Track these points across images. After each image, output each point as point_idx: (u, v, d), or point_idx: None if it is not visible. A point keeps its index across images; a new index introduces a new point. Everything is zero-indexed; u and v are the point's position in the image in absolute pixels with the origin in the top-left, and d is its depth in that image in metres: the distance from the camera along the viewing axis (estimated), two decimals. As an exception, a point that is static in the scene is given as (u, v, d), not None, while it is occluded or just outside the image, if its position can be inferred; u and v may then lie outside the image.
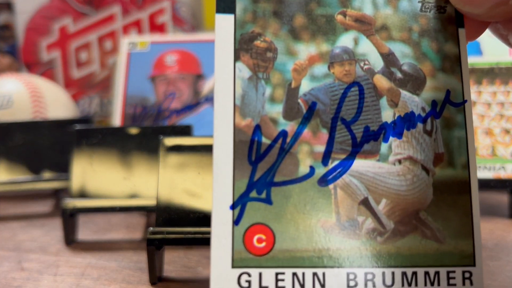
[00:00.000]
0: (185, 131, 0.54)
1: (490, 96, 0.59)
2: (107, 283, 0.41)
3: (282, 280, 0.32)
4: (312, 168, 0.33)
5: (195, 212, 0.41)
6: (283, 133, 0.33)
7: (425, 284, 0.32)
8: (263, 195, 0.32)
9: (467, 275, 0.33)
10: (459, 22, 0.35)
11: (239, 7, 0.34)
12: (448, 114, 0.34)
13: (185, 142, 0.43)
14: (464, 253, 0.33)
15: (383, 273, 0.32)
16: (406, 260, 0.33)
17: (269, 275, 0.32)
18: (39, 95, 0.73)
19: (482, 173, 0.57)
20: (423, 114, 0.34)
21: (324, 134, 0.33)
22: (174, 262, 0.45)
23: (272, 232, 0.32)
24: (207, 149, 0.43)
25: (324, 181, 0.33)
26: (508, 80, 0.59)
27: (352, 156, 0.33)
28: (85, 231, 0.55)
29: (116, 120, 0.71)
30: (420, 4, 0.35)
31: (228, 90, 0.33)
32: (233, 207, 0.32)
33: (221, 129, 0.32)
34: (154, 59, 0.74)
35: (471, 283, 0.33)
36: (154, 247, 0.40)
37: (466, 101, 0.34)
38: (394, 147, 0.34)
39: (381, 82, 0.34)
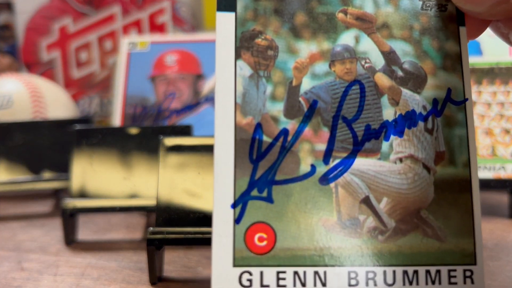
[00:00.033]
0: (185, 131, 0.54)
1: (490, 96, 0.59)
2: (107, 283, 0.41)
3: (283, 279, 0.32)
4: (313, 167, 0.33)
5: (195, 212, 0.41)
6: (284, 132, 0.33)
7: (426, 283, 0.32)
8: (264, 194, 0.32)
9: (468, 273, 0.33)
10: (460, 20, 0.35)
11: (240, 5, 0.34)
12: (449, 113, 0.34)
13: (185, 142, 0.43)
14: (465, 251, 0.33)
15: (384, 272, 0.32)
16: (407, 258, 0.33)
17: (270, 274, 0.32)
18: (39, 95, 0.73)
19: (482, 173, 0.57)
20: (424, 113, 0.34)
21: (325, 132, 0.33)
22: (174, 262, 0.45)
23: (273, 230, 0.32)
24: (207, 149, 0.43)
25: (325, 179, 0.33)
26: (508, 80, 0.59)
27: (353, 155, 0.33)
28: (85, 231, 0.55)
29: (116, 120, 0.71)
30: (421, 2, 0.35)
31: (229, 88, 0.33)
32: (234, 205, 0.32)
33: (222, 127, 0.32)
34: (154, 59, 0.74)
35: (472, 282, 0.33)
36: (154, 247, 0.40)
37: (467, 99, 0.34)
38: (395, 145, 0.33)
39: (382, 80, 0.34)
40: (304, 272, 0.32)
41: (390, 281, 0.32)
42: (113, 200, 0.51)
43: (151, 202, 0.49)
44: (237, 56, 0.33)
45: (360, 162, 0.33)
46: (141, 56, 0.74)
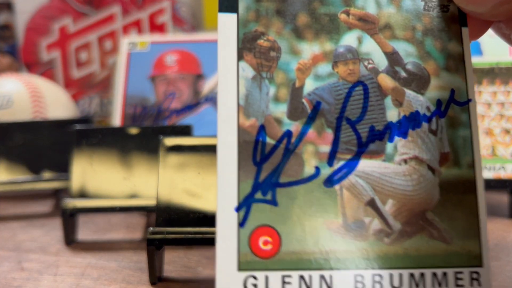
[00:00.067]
0: (185, 131, 0.54)
1: (490, 96, 0.59)
2: (107, 283, 0.41)
3: (289, 283, 0.31)
4: (317, 169, 0.33)
5: (195, 212, 0.41)
6: (288, 133, 0.33)
7: (433, 285, 0.32)
8: (269, 196, 0.32)
9: (475, 275, 0.33)
10: (462, 21, 0.35)
11: (242, 6, 0.34)
12: (453, 114, 0.34)
13: (185, 142, 0.43)
14: (472, 253, 0.33)
15: (391, 275, 0.32)
16: (413, 261, 0.32)
17: (275, 278, 0.31)
18: (39, 95, 0.73)
19: (482, 173, 0.57)
20: (428, 114, 0.34)
21: (329, 134, 0.33)
22: (174, 262, 0.45)
23: (278, 234, 0.32)
24: (207, 149, 0.42)
25: (329, 181, 0.33)
26: (508, 80, 0.59)
27: (357, 156, 0.33)
28: (85, 231, 0.55)
29: (116, 120, 0.71)
30: (423, 3, 0.35)
31: (231, 90, 0.33)
32: (238, 209, 0.32)
33: (225, 129, 0.32)
34: (154, 59, 0.74)
35: (479, 284, 0.32)
36: (154, 247, 0.40)
37: (470, 100, 0.34)
38: (400, 147, 0.33)
39: (386, 81, 0.34)
40: (310, 276, 0.32)
41: (396, 284, 0.32)
42: (113, 200, 0.51)
43: (151, 202, 0.49)
44: (239, 57, 0.33)
45: (365, 164, 0.33)
46: (141, 56, 0.74)
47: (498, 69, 0.59)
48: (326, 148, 0.33)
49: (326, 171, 0.33)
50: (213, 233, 0.39)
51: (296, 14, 0.35)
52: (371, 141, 0.33)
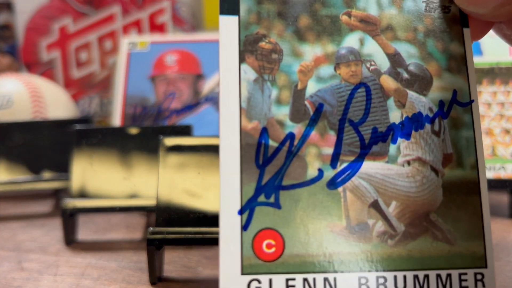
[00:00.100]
0: (185, 131, 0.54)
1: (490, 96, 0.59)
2: (107, 283, 0.41)
3: (293, 286, 0.31)
4: (320, 171, 0.33)
5: (195, 212, 0.41)
6: (291, 136, 0.33)
7: (437, 287, 0.32)
8: (272, 199, 0.32)
9: (479, 277, 0.33)
10: (463, 22, 0.35)
11: (243, 8, 0.34)
12: (455, 114, 0.34)
13: (185, 142, 0.43)
14: (476, 254, 0.33)
15: (395, 277, 0.32)
16: (417, 263, 0.32)
17: (279, 281, 0.31)
18: (39, 95, 0.73)
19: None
20: (430, 115, 0.34)
21: (332, 136, 0.33)
22: (174, 262, 0.45)
23: (281, 237, 0.32)
24: (207, 149, 0.43)
25: (333, 184, 0.32)
26: (508, 80, 0.59)
27: (360, 158, 0.33)
28: (85, 231, 0.55)
29: (116, 120, 0.71)
30: (424, 4, 0.35)
31: (233, 93, 0.33)
32: (241, 212, 0.32)
33: (228, 132, 0.32)
34: (154, 59, 0.74)
35: (483, 285, 0.32)
36: (154, 247, 0.40)
37: (473, 101, 0.34)
38: (403, 148, 0.33)
39: (388, 82, 0.34)
40: (314, 279, 0.32)
41: (400, 286, 0.32)
42: (113, 200, 0.51)
43: (151, 202, 0.49)
44: (241, 60, 0.33)
45: (368, 166, 0.33)
46: (141, 56, 0.74)
47: (498, 69, 0.59)
48: (329, 150, 0.33)
49: (329, 173, 0.33)
50: (213, 233, 0.39)
51: (297, 16, 0.34)
52: (374, 142, 0.33)
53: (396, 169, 0.33)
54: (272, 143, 0.32)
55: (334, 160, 0.33)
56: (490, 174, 0.57)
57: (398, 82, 0.34)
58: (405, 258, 0.32)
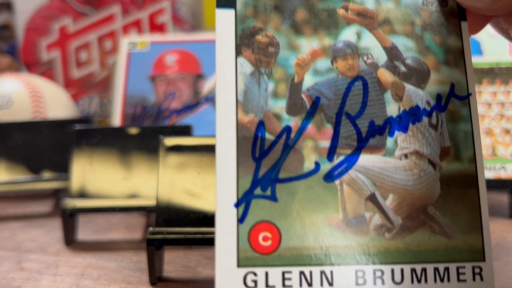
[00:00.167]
0: (185, 131, 0.54)
1: (490, 96, 0.59)
2: (107, 283, 0.41)
3: (289, 279, 0.31)
4: (317, 164, 0.32)
5: (195, 212, 0.41)
6: (287, 129, 0.33)
7: (435, 281, 0.32)
8: (268, 192, 0.32)
9: (477, 270, 0.32)
10: (461, 15, 0.35)
11: (239, 1, 0.34)
12: (453, 108, 0.34)
13: (185, 142, 0.43)
14: (474, 248, 0.33)
15: (392, 270, 0.32)
16: (415, 256, 0.32)
17: (275, 274, 0.31)
18: (39, 95, 0.73)
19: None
20: (428, 108, 0.34)
21: (329, 129, 0.33)
22: (174, 262, 0.45)
23: (278, 230, 0.32)
24: (207, 149, 0.42)
25: (330, 177, 0.32)
26: (508, 80, 0.58)
27: (357, 151, 0.33)
28: (85, 231, 0.55)
29: (116, 120, 0.71)
30: None
31: (230, 86, 0.33)
32: (237, 205, 0.32)
33: (224, 125, 0.32)
34: (154, 59, 0.74)
35: (482, 279, 0.32)
36: (154, 247, 0.40)
37: (470, 94, 0.34)
38: (400, 141, 0.33)
39: (385, 76, 0.34)
40: (310, 272, 0.31)
41: (398, 279, 0.32)
42: (113, 200, 0.51)
43: (151, 202, 0.49)
44: (238, 53, 0.33)
45: (365, 159, 0.33)
46: (141, 56, 0.74)
47: (498, 69, 0.59)
48: (325, 143, 0.33)
49: (326, 167, 0.32)
50: (213, 233, 0.39)
51: (294, 9, 0.34)
52: (371, 136, 0.33)
53: (393, 162, 0.33)
54: (269, 136, 0.32)
55: (331, 153, 0.33)
56: (490, 174, 0.57)
57: (395, 76, 0.34)
58: (403, 251, 0.32)
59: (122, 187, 0.52)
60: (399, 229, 0.32)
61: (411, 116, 0.33)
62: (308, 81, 0.33)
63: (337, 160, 0.33)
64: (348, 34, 0.34)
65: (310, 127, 0.33)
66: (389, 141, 0.33)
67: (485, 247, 0.33)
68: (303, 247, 0.32)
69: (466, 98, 0.34)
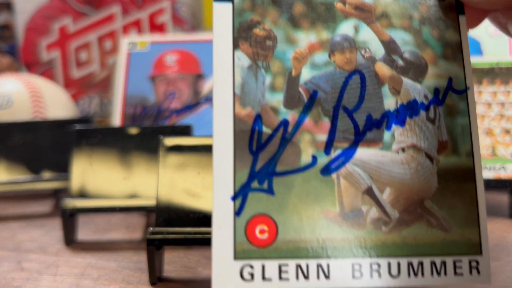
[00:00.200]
0: (185, 131, 0.54)
1: (490, 96, 0.59)
2: (107, 283, 0.41)
3: (286, 272, 0.31)
4: (314, 158, 0.32)
5: (195, 212, 0.41)
6: (284, 122, 0.33)
7: (432, 274, 0.32)
8: (265, 186, 0.32)
9: (474, 264, 0.32)
10: (459, 9, 0.35)
11: None
12: (451, 102, 0.34)
13: (185, 142, 0.43)
14: (471, 241, 0.33)
15: (389, 263, 0.32)
16: (412, 249, 0.32)
17: (272, 267, 0.31)
18: (39, 95, 0.73)
19: (483, 173, 0.57)
20: (425, 102, 0.34)
21: (326, 122, 0.33)
22: (174, 262, 0.45)
23: (274, 223, 0.32)
24: (207, 149, 0.42)
25: (327, 170, 0.32)
26: (508, 80, 0.58)
27: (355, 145, 0.33)
28: (85, 231, 0.55)
29: (116, 120, 0.71)
30: None
31: (227, 79, 0.33)
32: (234, 198, 0.32)
33: (221, 118, 0.32)
34: (154, 59, 0.74)
35: (478, 272, 0.32)
36: (154, 247, 0.40)
37: (468, 88, 0.34)
38: (397, 135, 0.33)
39: (383, 69, 0.34)
40: (307, 265, 0.31)
41: (394, 272, 0.32)
42: (113, 200, 0.51)
43: (151, 202, 0.49)
44: (235, 46, 0.33)
45: (362, 152, 0.33)
46: (141, 56, 0.74)
47: (498, 69, 0.59)
48: (323, 137, 0.33)
49: (323, 160, 0.32)
50: (213, 232, 0.39)
51: (292, 3, 0.34)
52: (369, 129, 0.33)
53: (390, 156, 0.33)
54: (266, 130, 0.32)
55: (328, 146, 0.33)
56: (490, 174, 0.57)
57: (393, 69, 0.34)
58: (399, 244, 0.32)
59: (122, 187, 0.52)
60: (396, 223, 0.32)
61: (408, 110, 0.33)
62: (306, 74, 0.33)
63: (334, 153, 0.33)
64: (346, 28, 0.34)
65: (308, 121, 0.33)
66: (387, 135, 0.33)
67: (482, 240, 0.33)
68: (299, 240, 0.32)
69: (463, 92, 0.34)
